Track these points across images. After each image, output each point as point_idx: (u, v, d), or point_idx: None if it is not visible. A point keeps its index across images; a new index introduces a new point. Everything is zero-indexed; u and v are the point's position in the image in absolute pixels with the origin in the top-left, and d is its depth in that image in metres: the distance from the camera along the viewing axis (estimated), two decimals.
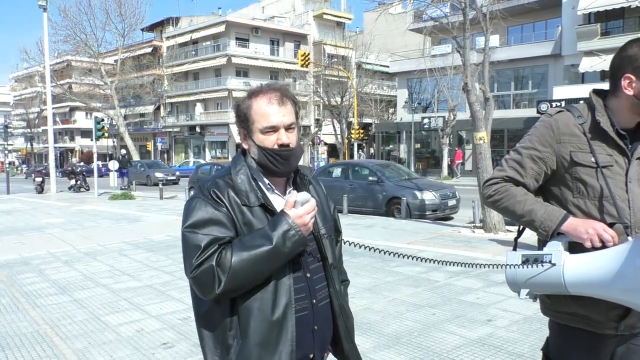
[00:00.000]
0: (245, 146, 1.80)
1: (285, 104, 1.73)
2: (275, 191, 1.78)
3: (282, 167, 1.73)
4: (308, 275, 1.73)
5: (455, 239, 9.62)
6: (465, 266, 1.83)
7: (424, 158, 35.30)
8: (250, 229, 1.65)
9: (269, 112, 1.70)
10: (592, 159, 1.92)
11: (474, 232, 10.25)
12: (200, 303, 1.71)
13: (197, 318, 1.74)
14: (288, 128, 1.73)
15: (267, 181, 1.76)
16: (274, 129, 1.71)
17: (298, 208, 1.63)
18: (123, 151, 27.50)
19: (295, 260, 1.69)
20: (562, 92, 25.78)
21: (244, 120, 1.75)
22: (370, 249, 1.81)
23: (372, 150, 39.99)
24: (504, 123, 27.49)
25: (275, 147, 1.70)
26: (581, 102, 2.09)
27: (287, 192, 1.81)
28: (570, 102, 17.79)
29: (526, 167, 2.04)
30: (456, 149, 32.11)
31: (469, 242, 9.24)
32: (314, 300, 1.73)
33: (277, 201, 1.74)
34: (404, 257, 1.86)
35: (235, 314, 1.65)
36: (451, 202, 13.11)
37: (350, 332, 1.87)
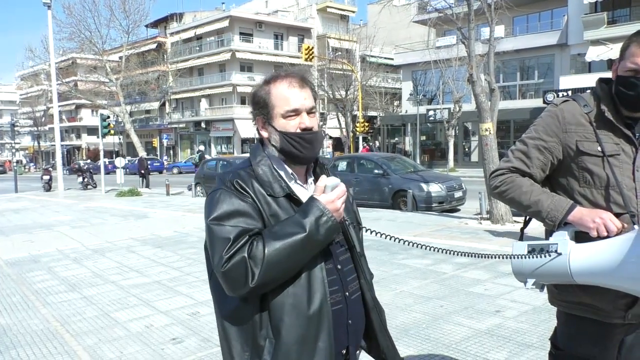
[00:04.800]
0: (264, 134, 1.72)
1: (305, 88, 1.69)
2: (298, 181, 1.72)
3: (305, 151, 1.66)
4: (339, 266, 1.66)
5: (462, 230, 9.61)
6: (475, 257, 1.82)
7: (429, 150, 35.21)
8: (277, 221, 1.58)
9: (290, 95, 1.65)
10: (598, 148, 1.91)
11: (480, 223, 10.23)
12: (225, 302, 1.61)
13: (222, 319, 1.64)
14: (309, 112, 1.68)
15: (289, 170, 1.70)
16: (296, 113, 1.65)
17: (328, 192, 1.57)
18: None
19: (325, 250, 1.61)
20: (568, 81, 25.64)
21: (263, 107, 1.68)
22: (391, 238, 1.71)
23: (377, 143, 39.88)
24: (511, 114, 27.39)
25: (298, 130, 1.65)
26: (588, 91, 2.08)
27: (309, 182, 1.76)
28: (577, 91, 17.69)
29: (532, 158, 2.03)
30: (364, 145, 31.84)
31: (476, 233, 9.22)
32: (347, 293, 1.66)
33: (300, 191, 1.68)
34: (420, 246, 1.79)
35: (265, 312, 1.56)
36: (457, 194, 13.08)
37: (385, 326, 1.80)
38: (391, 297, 5.55)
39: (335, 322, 1.60)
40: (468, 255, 1.79)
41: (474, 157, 30.88)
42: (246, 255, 1.47)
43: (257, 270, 1.46)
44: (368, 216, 11.39)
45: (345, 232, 1.73)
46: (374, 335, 1.77)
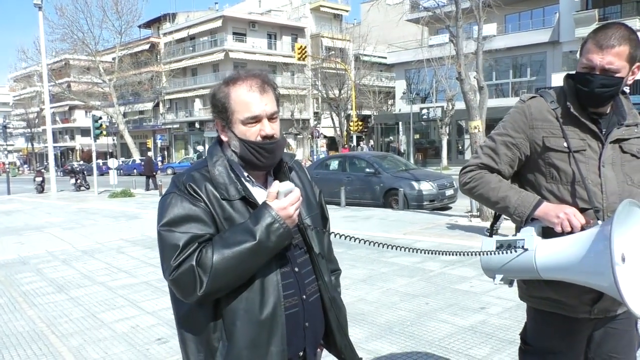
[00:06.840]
0: (224, 138, 1.66)
1: (267, 92, 1.61)
2: (256, 183, 1.67)
3: (266, 160, 1.62)
4: (296, 269, 1.64)
5: (452, 228, 9.62)
6: (440, 254, 1.83)
7: (423, 149, 35.27)
8: (231, 225, 1.54)
9: (251, 100, 1.57)
10: (564, 144, 1.93)
11: (470, 221, 10.26)
12: (181, 305, 1.60)
13: (178, 320, 1.65)
14: (271, 118, 1.61)
15: (246, 174, 1.65)
16: (257, 120, 1.58)
17: (281, 199, 1.53)
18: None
19: (281, 254, 1.58)
20: (560, 79, 25.46)
21: (222, 111, 1.61)
22: (355, 240, 1.68)
23: (371, 142, 39.93)
24: (503, 111, 27.00)
25: (259, 139, 1.59)
26: (552, 88, 2.10)
27: (269, 182, 1.70)
28: None
29: (500, 154, 2.05)
30: (344, 145, 32.01)
31: (466, 231, 9.24)
32: (304, 296, 1.64)
33: (259, 194, 1.63)
34: (394, 248, 1.77)
35: (219, 315, 1.55)
36: (449, 192, 13.11)
37: (343, 325, 1.78)
38: (378, 295, 5.57)
39: (291, 326, 1.59)
40: (432, 253, 1.80)
41: (468, 155, 30.93)
42: (194, 263, 1.46)
43: (205, 278, 1.45)
44: (359, 215, 11.44)
45: (304, 234, 1.70)
46: (331, 334, 1.75)
